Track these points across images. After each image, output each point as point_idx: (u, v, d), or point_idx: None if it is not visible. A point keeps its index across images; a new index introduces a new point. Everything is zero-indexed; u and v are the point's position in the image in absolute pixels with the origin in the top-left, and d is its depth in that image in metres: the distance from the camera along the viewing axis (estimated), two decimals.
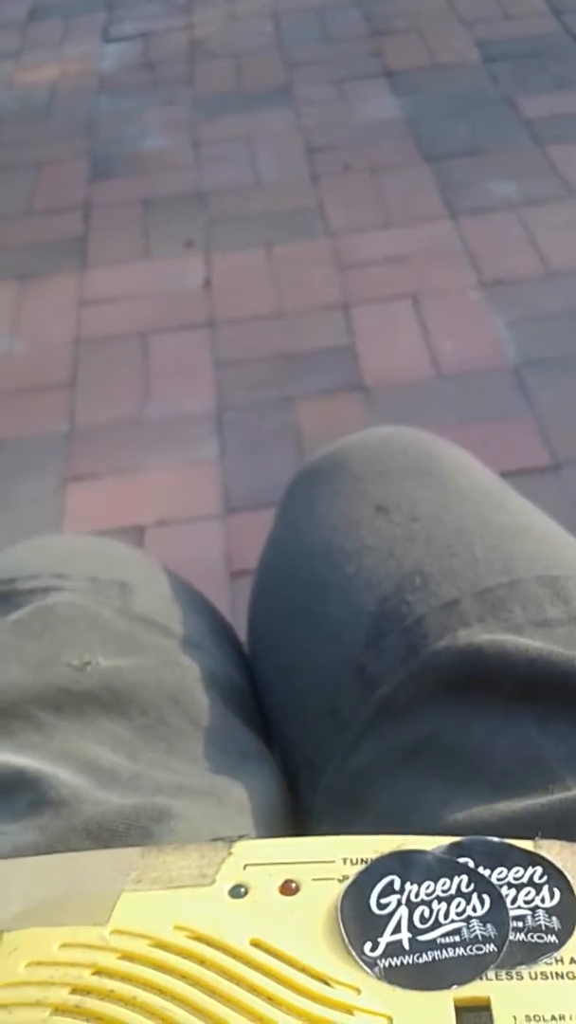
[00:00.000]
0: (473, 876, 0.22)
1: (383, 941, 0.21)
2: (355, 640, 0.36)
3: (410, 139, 1.77)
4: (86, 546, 0.48)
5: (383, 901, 0.22)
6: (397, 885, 0.22)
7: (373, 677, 0.34)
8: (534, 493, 0.47)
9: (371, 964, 0.21)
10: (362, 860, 0.23)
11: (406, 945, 0.21)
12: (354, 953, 0.21)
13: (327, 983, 0.21)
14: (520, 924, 0.22)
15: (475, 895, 0.22)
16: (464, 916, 0.22)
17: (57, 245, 1.62)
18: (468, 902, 0.22)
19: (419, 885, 0.22)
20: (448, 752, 0.31)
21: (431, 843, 0.24)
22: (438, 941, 0.21)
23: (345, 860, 0.23)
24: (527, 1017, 0.20)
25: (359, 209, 1.61)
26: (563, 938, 0.21)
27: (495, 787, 0.29)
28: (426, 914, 0.22)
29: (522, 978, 0.21)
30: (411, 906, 0.22)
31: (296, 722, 0.38)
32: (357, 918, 0.22)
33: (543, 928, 0.21)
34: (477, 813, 0.28)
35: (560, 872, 0.23)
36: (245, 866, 0.23)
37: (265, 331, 1.39)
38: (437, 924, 0.22)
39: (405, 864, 0.23)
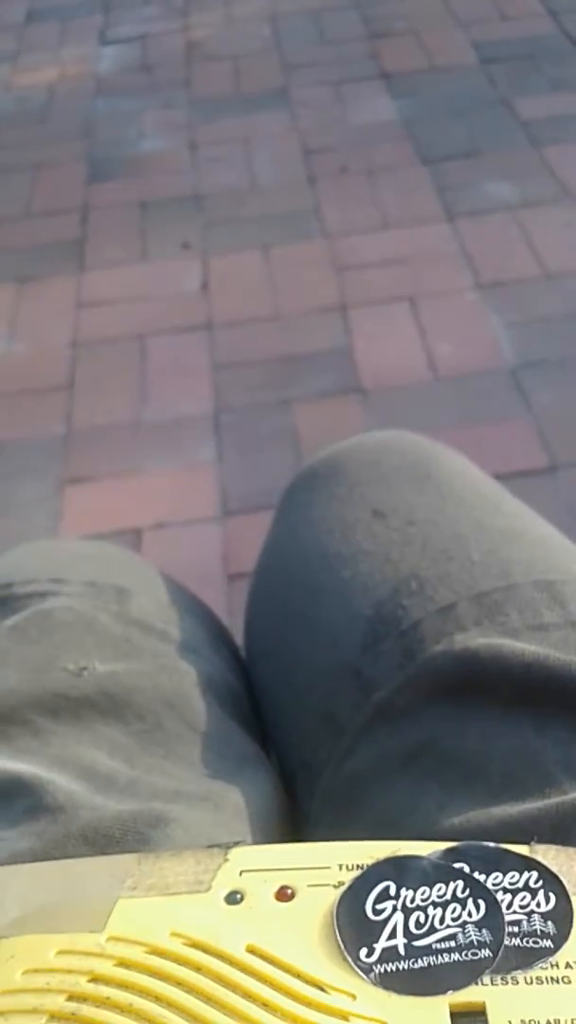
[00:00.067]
0: (469, 881, 0.23)
1: (379, 947, 0.21)
2: (351, 644, 0.36)
3: (407, 141, 1.77)
4: (83, 550, 0.48)
5: (379, 907, 0.22)
6: (393, 891, 0.22)
7: (369, 681, 0.34)
8: (531, 495, 0.47)
9: (367, 970, 0.21)
10: (358, 866, 0.23)
11: (402, 951, 0.21)
12: (350, 959, 0.21)
13: (323, 989, 0.21)
14: (516, 929, 0.22)
15: (471, 900, 0.22)
16: (460, 921, 0.22)
17: (55, 247, 1.62)
18: (464, 907, 0.22)
19: (415, 891, 0.22)
20: (445, 756, 0.31)
21: (426, 848, 0.24)
22: (433, 947, 0.21)
23: (341, 866, 0.23)
24: (523, 1022, 0.20)
25: (356, 211, 1.61)
26: (558, 943, 0.21)
27: (492, 791, 0.29)
28: (422, 919, 0.22)
29: (517, 983, 0.21)
30: (407, 912, 0.22)
31: (292, 726, 0.38)
32: (353, 924, 0.22)
33: (539, 933, 0.22)
34: (474, 817, 0.28)
35: (556, 877, 0.23)
36: (241, 872, 0.23)
37: (262, 333, 1.39)
38: (433, 930, 0.22)
39: (401, 870, 0.23)
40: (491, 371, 1.28)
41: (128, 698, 0.35)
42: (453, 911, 0.22)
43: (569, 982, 0.21)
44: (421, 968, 0.21)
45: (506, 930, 0.22)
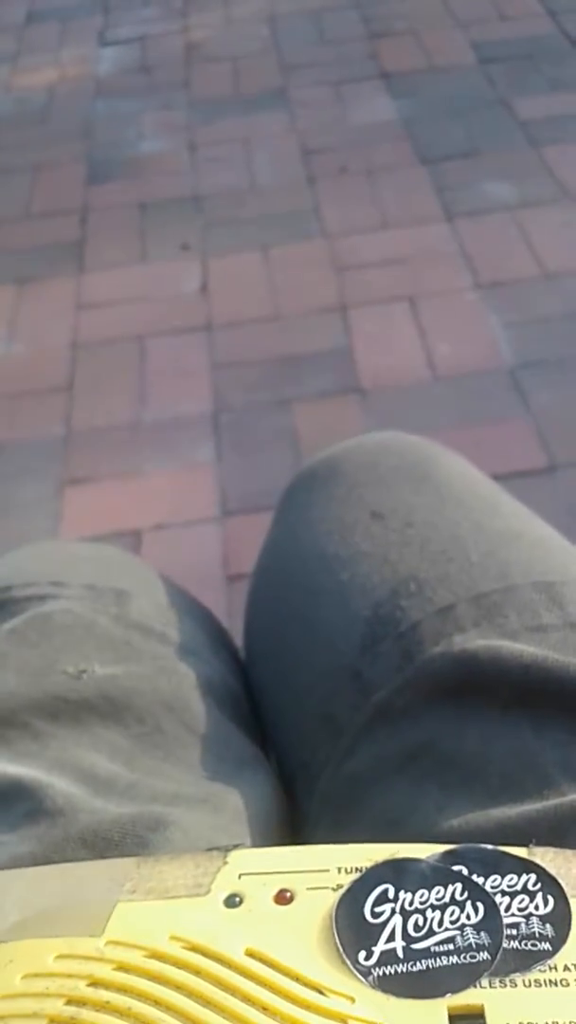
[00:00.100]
0: (467, 884, 0.23)
1: (377, 950, 0.21)
2: (350, 645, 0.36)
3: (406, 141, 1.77)
4: (82, 553, 0.48)
5: (377, 910, 0.22)
6: (391, 894, 0.22)
7: (368, 683, 0.34)
8: (529, 495, 0.47)
9: (365, 973, 0.21)
10: (356, 869, 0.23)
11: (400, 954, 0.21)
12: (348, 962, 0.21)
13: (322, 992, 0.21)
14: (514, 932, 0.22)
15: (469, 903, 0.22)
16: (458, 924, 0.22)
17: (54, 249, 1.62)
18: (462, 910, 0.22)
19: (413, 893, 0.22)
20: (444, 758, 0.31)
21: (425, 851, 0.24)
22: (432, 949, 0.21)
23: (339, 869, 0.23)
24: None
25: (356, 211, 1.62)
26: (557, 945, 0.21)
27: (491, 793, 0.29)
28: (420, 922, 0.22)
29: (516, 986, 0.21)
30: (405, 914, 0.22)
31: (292, 727, 0.38)
32: (351, 927, 0.22)
33: (537, 935, 0.22)
34: (473, 819, 0.29)
35: (554, 879, 0.23)
36: (240, 875, 0.23)
37: (262, 334, 1.39)
38: (431, 932, 0.22)
39: (399, 872, 0.23)
40: (490, 371, 1.28)
41: (127, 701, 0.35)
42: (452, 914, 0.22)
43: (567, 984, 0.21)
44: (420, 971, 0.21)
45: (504, 933, 0.22)
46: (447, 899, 0.22)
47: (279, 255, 1.54)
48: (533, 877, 0.23)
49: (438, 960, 0.21)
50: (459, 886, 0.23)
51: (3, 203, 1.75)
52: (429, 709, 0.32)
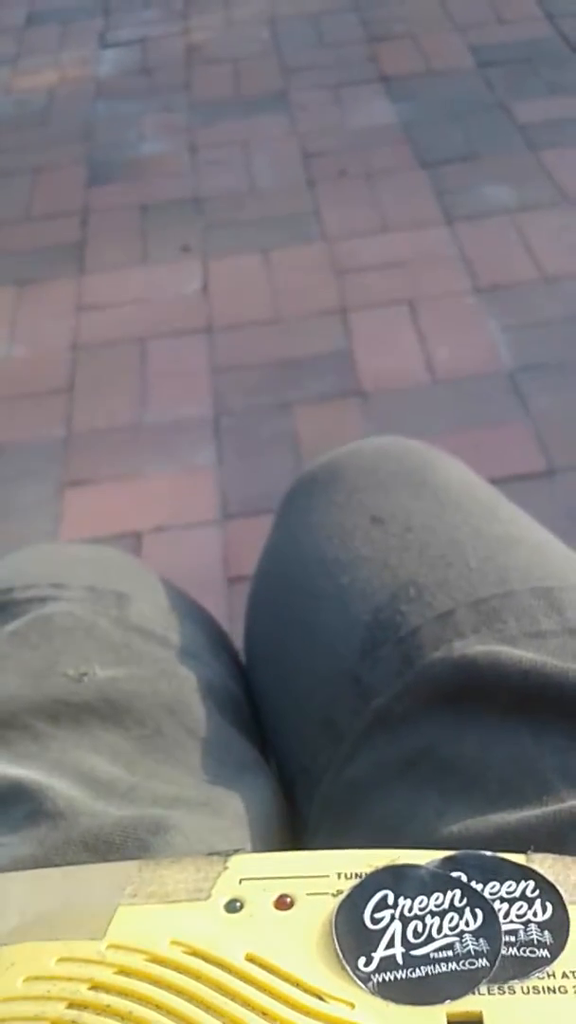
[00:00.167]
0: (466, 890, 0.23)
1: (377, 956, 0.22)
2: (350, 650, 0.36)
3: (406, 144, 1.77)
4: (83, 555, 0.48)
5: (377, 916, 0.22)
6: (391, 900, 0.23)
7: (368, 688, 0.34)
8: (528, 499, 0.47)
9: (365, 979, 0.21)
10: (356, 875, 0.23)
11: (399, 960, 0.21)
12: (348, 968, 0.21)
13: (321, 998, 0.21)
14: (512, 938, 0.22)
15: (468, 909, 0.22)
16: (457, 931, 0.22)
17: (55, 250, 1.62)
18: (461, 916, 0.22)
19: (412, 900, 0.23)
20: (443, 763, 0.31)
21: (424, 857, 0.24)
22: (431, 956, 0.21)
23: (339, 875, 0.23)
24: None
25: (355, 214, 1.62)
26: (555, 952, 0.21)
27: (490, 799, 0.30)
28: (419, 929, 0.22)
29: (514, 992, 0.21)
30: (404, 921, 0.22)
31: (292, 732, 0.38)
32: (351, 933, 0.22)
33: (535, 942, 0.22)
34: (472, 825, 0.29)
35: (552, 886, 0.23)
36: (241, 880, 0.23)
37: (262, 336, 1.40)
38: (430, 939, 0.22)
39: (398, 878, 0.23)
40: (489, 375, 1.28)
41: (128, 704, 0.35)
42: (451, 920, 0.22)
43: (565, 992, 0.21)
44: (419, 977, 0.21)
45: (503, 939, 0.22)
46: (446, 905, 0.22)
47: (279, 258, 1.54)
48: (532, 884, 0.23)
49: (437, 967, 0.21)
50: (458, 892, 0.23)
51: (3, 205, 1.75)
52: (429, 715, 0.32)
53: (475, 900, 0.22)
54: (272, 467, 1.18)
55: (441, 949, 0.21)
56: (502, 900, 0.22)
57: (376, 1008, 0.21)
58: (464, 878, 0.23)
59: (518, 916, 0.22)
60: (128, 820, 0.30)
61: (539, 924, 0.22)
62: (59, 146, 1.91)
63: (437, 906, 0.22)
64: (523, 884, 0.23)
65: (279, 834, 0.34)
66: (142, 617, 0.40)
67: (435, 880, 0.23)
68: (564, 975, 0.21)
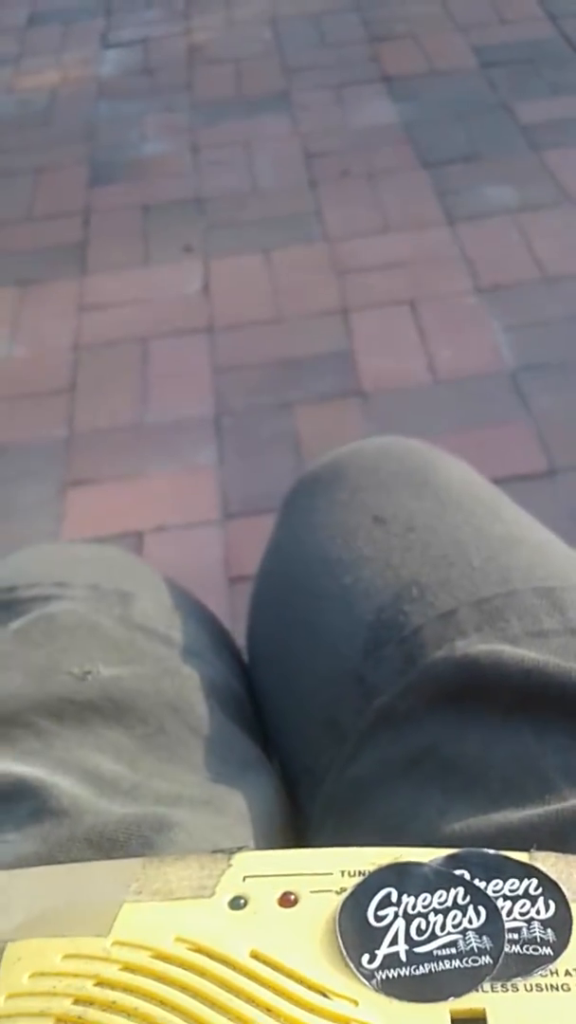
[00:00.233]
0: (469, 888, 0.23)
1: (380, 953, 0.22)
2: (353, 650, 0.36)
3: (408, 145, 1.77)
4: (86, 554, 0.48)
5: (380, 913, 0.22)
6: (394, 897, 0.23)
7: (371, 687, 0.34)
8: (530, 499, 0.47)
9: (368, 976, 0.21)
10: (360, 872, 0.23)
11: (403, 957, 0.22)
12: (352, 965, 0.21)
13: (325, 995, 0.21)
14: (515, 936, 0.22)
15: (471, 907, 0.22)
16: (460, 928, 0.22)
17: (57, 251, 1.62)
18: (464, 914, 0.22)
19: (416, 897, 0.23)
20: (446, 762, 0.31)
21: (428, 855, 0.24)
22: (435, 953, 0.22)
23: (343, 872, 0.23)
24: None
25: (357, 214, 1.62)
26: (558, 950, 0.22)
27: (492, 797, 0.30)
28: (423, 926, 0.22)
29: (517, 990, 0.21)
30: (408, 918, 0.22)
31: (295, 731, 0.38)
32: (355, 930, 0.22)
33: (538, 940, 0.22)
34: (474, 823, 0.29)
35: (555, 884, 0.23)
36: (244, 878, 0.24)
37: (263, 336, 1.40)
38: (434, 936, 0.22)
39: (402, 876, 0.23)
40: (491, 375, 1.28)
41: (131, 702, 0.36)
42: (454, 918, 0.22)
43: (568, 989, 0.21)
44: (422, 974, 0.21)
45: (506, 937, 0.22)
46: (449, 903, 0.23)
47: (281, 258, 1.54)
48: (535, 882, 0.23)
49: (441, 964, 0.21)
50: (461, 890, 0.23)
51: (5, 205, 1.75)
52: (431, 714, 0.32)
53: (478, 898, 0.23)
54: (273, 467, 1.19)
55: (445, 946, 0.22)
56: (505, 898, 0.23)
57: (380, 1005, 0.21)
58: (467, 876, 0.23)
59: (521, 914, 0.22)
60: (132, 818, 0.30)
61: (542, 922, 0.22)
62: (61, 146, 1.91)
63: (440, 904, 0.22)
64: (526, 882, 0.23)
65: (282, 832, 0.34)
66: (145, 616, 0.40)
67: (438, 878, 0.23)
68: (567, 972, 0.21)
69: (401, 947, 0.22)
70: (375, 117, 1.86)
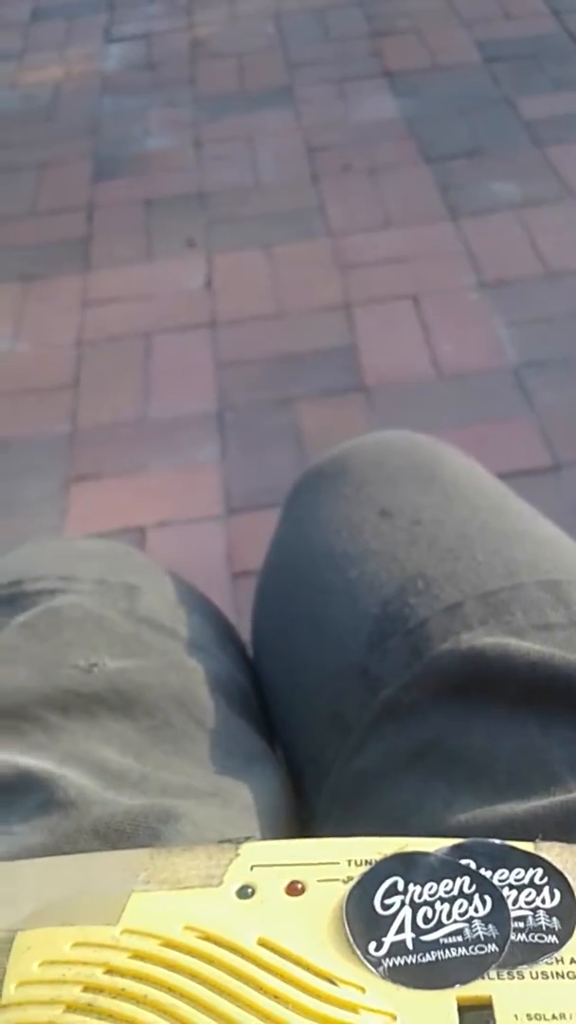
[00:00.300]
0: (475, 877, 0.23)
1: (387, 941, 0.22)
2: (358, 643, 0.36)
3: (410, 140, 1.77)
4: (91, 548, 0.48)
5: (387, 902, 0.23)
6: (401, 886, 0.23)
7: (376, 679, 0.34)
8: (534, 494, 0.47)
9: (375, 963, 0.21)
10: (366, 861, 0.24)
11: (410, 945, 0.22)
12: (359, 953, 0.22)
13: (333, 982, 0.21)
14: (521, 925, 0.22)
15: (477, 896, 0.23)
16: (466, 917, 0.22)
17: (60, 246, 1.62)
18: (470, 903, 0.22)
19: (422, 886, 0.23)
20: (451, 754, 0.32)
21: (434, 845, 0.24)
22: (441, 941, 0.22)
23: (350, 861, 0.24)
24: (528, 1016, 0.20)
25: (360, 209, 1.62)
26: (563, 938, 0.22)
27: (498, 789, 0.30)
28: (429, 915, 0.22)
29: (523, 977, 0.21)
30: (414, 907, 0.22)
31: (300, 723, 0.38)
32: (361, 918, 0.22)
33: (544, 928, 0.22)
34: (480, 815, 0.29)
35: (560, 873, 0.23)
36: (252, 867, 0.24)
37: (266, 331, 1.40)
38: (440, 924, 0.22)
39: (408, 865, 0.23)
40: (494, 370, 1.28)
41: (138, 695, 0.36)
42: (460, 906, 0.22)
43: (574, 977, 0.21)
44: (429, 962, 0.21)
45: (512, 925, 0.22)
46: (455, 892, 0.23)
47: (283, 253, 1.54)
48: (540, 871, 0.23)
49: (447, 952, 0.22)
50: (467, 879, 0.23)
51: (9, 200, 1.75)
52: (437, 706, 0.33)
53: (484, 887, 0.23)
54: (276, 462, 1.19)
55: (451, 935, 0.22)
56: (511, 887, 0.23)
57: (386, 992, 0.21)
58: (473, 865, 0.23)
59: (527, 903, 0.22)
60: (139, 809, 0.30)
61: (547, 911, 0.22)
62: (64, 141, 1.91)
63: (447, 892, 0.23)
64: (531, 871, 0.23)
65: (287, 824, 0.35)
66: (151, 609, 0.40)
67: (444, 867, 0.23)
68: (572, 960, 0.21)
69: (408, 935, 0.22)
70: (378, 112, 1.86)
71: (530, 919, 0.22)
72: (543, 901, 0.22)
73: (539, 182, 1.62)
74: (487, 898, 0.23)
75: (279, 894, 0.23)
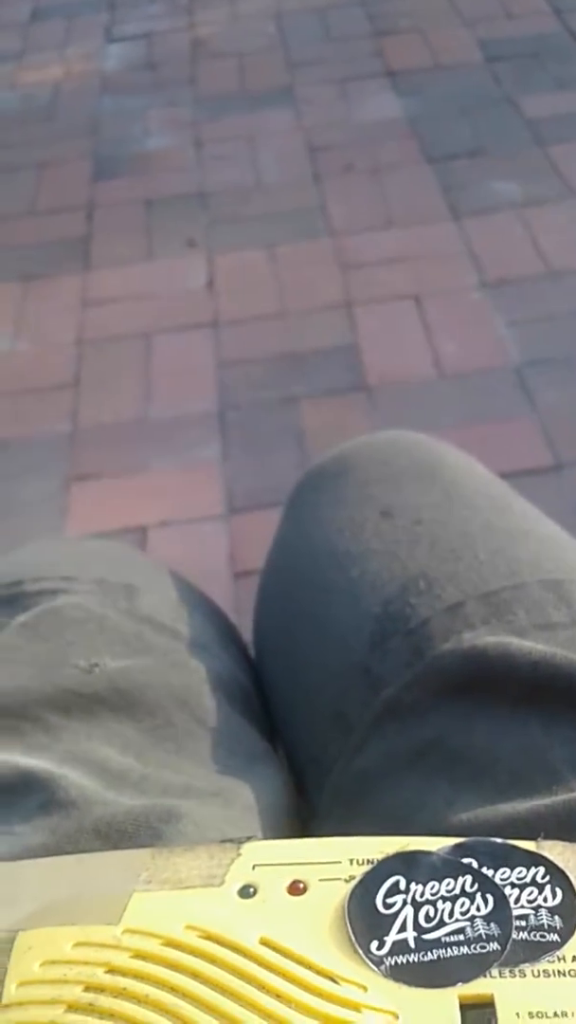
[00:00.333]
0: (477, 876, 0.23)
1: (389, 940, 0.22)
2: (360, 642, 0.36)
3: (412, 139, 1.77)
4: (92, 548, 0.48)
5: (389, 901, 0.23)
6: (402, 885, 0.23)
7: (378, 679, 0.34)
8: (536, 494, 0.47)
9: (378, 962, 0.21)
10: (368, 861, 0.24)
11: (412, 944, 0.22)
12: (361, 951, 0.22)
13: (335, 981, 0.21)
14: (523, 923, 0.22)
15: (479, 895, 0.23)
16: (468, 915, 0.22)
17: (60, 245, 1.62)
18: (472, 902, 0.22)
19: (424, 885, 0.23)
20: (453, 754, 0.32)
21: (436, 844, 0.24)
22: (443, 940, 0.22)
23: (351, 861, 0.24)
24: (530, 1014, 0.20)
25: (361, 209, 1.62)
26: (565, 937, 0.22)
27: (499, 788, 0.30)
28: (431, 913, 0.22)
29: (525, 976, 0.21)
30: (416, 906, 0.22)
31: (302, 723, 0.38)
32: (363, 917, 0.22)
33: (545, 927, 0.22)
34: (482, 814, 0.29)
35: (562, 872, 0.23)
36: (254, 866, 0.24)
37: (268, 331, 1.40)
38: (442, 923, 0.22)
39: (410, 864, 0.23)
40: (496, 369, 1.28)
41: (139, 694, 0.36)
42: (462, 905, 0.22)
43: (575, 975, 0.21)
44: (431, 961, 0.21)
45: (514, 924, 0.22)
46: (457, 891, 0.23)
47: (285, 252, 1.54)
48: (542, 870, 0.23)
49: (449, 950, 0.22)
50: (469, 878, 0.23)
51: (9, 200, 1.75)
52: (438, 705, 0.33)
53: (486, 886, 0.23)
54: (277, 461, 1.19)
55: (453, 933, 0.22)
56: (512, 886, 0.23)
57: (389, 990, 0.21)
58: (475, 864, 0.23)
59: (528, 901, 0.22)
60: (140, 809, 0.30)
61: (549, 909, 0.22)
62: (64, 141, 1.91)
63: (448, 891, 0.23)
64: (533, 870, 0.23)
65: (289, 824, 0.35)
66: (152, 609, 0.40)
67: (446, 866, 0.23)
68: (574, 959, 0.21)
69: (410, 934, 0.22)
70: (379, 111, 1.86)
71: (532, 918, 0.22)
72: (545, 900, 0.22)
73: (541, 181, 1.62)
74: (489, 897, 0.23)
75: (281, 893, 0.23)
